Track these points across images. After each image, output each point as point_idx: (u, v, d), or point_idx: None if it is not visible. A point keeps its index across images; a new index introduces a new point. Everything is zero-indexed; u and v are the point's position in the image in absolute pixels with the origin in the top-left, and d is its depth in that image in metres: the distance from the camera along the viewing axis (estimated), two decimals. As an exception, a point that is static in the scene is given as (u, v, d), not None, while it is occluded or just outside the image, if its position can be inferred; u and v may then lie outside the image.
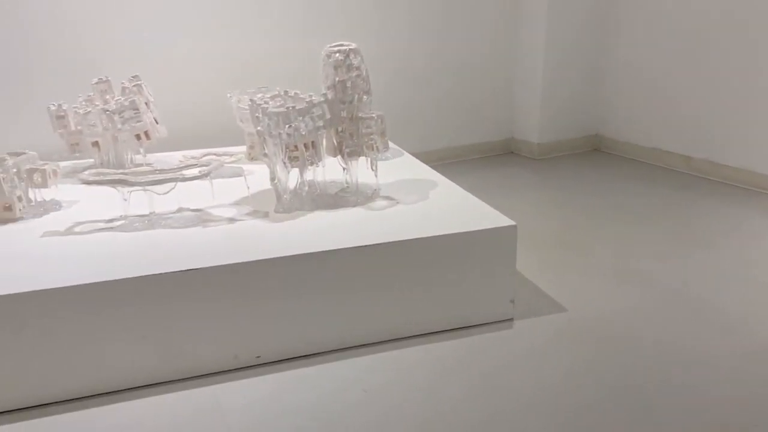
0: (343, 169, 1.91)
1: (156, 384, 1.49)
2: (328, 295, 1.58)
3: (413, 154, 2.45)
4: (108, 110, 2.07)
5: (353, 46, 1.81)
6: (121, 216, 1.77)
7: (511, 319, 1.74)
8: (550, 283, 1.96)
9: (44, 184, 1.85)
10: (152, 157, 2.28)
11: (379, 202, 1.87)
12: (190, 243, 1.62)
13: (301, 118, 1.73)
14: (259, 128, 1.74)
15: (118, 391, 1.47)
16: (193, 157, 2.26)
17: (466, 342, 1.65)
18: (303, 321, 1.57)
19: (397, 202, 1.87)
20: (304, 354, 1.59)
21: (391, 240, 1.60)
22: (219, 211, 1.83)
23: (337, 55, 1.79)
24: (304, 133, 1.74)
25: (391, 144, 2.26)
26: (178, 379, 1.51)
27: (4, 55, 2.48)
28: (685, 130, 3.06)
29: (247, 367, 1.55)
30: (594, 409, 1.39)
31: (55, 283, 1.39)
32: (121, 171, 1.78)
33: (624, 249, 2.21)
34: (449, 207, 1.85)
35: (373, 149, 1.82)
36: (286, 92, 1.90)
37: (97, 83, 2.22)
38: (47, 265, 1.51)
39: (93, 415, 1.41)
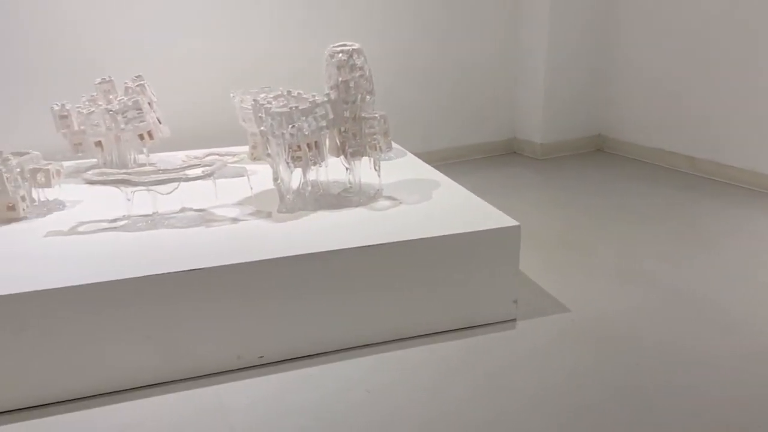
0: (346, 169, 1.91)
1: (159, 384, 1.49)
2: (331, 295, 1.58)
3: (416, 154, 2.45)
4: (111, 110, 2.07)
5: (356, 46, 1.81)
6: (124, 216, 1.77)
7: (514, 320, 1.74)
8: (553, 284, 1.96)
9: (48, 184, 1.85)
10: (155, 157, 2.28)
11: (382, 202, 1.87)
12: (193, 243, 1.62)
13: (304, 118, 1.73)
14: (262, 128, 1.74)
15: (121, 391, 1.47)
16: (196, 157, 2.26)
17: (469, 342, 1.65)
18: (306, 321, 1.57)
19: (400, 202, 1.87)
20: (307, 354, 1.59)
21: (394, 240, 1.60)
22: (222, 211, 1.83)
23: (341, 55, 1.78)
24: (307, 133, 1.74)
25: (394, 144, 2.26)
26: (181, 379, 1.51)
27: (6, 54, 2.49)
28: (688, 131, 3.06)
29: (250, 367, 1.55)
30: (597, 409, 1.39)
31: (58, 282, 1.39)
32: (124, 171, 1.79)
33: (627, 249, 2.21)
34: (452, 207, 1.85)
35: (376, 149, 1.82)
36: (289, 92, 1.90)
37: (100, 83, 2.22)
38: (50, 264, 1.51)
39: (95, 415, 1.41)
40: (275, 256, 1.52)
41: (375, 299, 1.61)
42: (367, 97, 1.82)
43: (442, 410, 1.40)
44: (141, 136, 2.10)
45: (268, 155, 1.77)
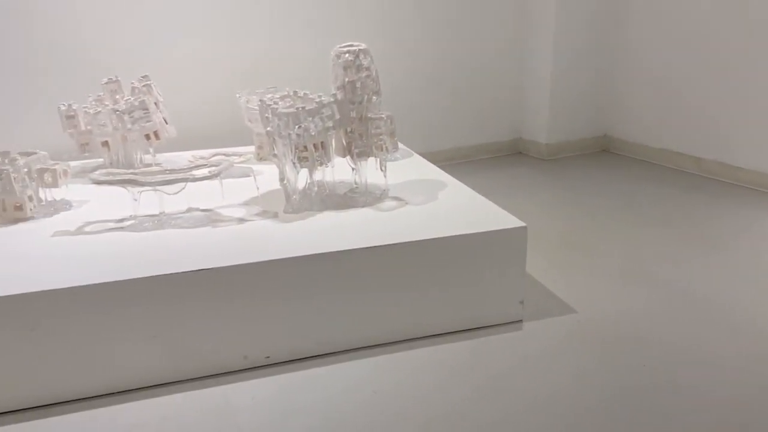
0: (353, 169, 1.91)
1: (165, 384, 1.49)
2: (337, 296, 1.58)
3: (422, 155, 2.44)
4: (118, 110, 2.08)
5: (363, 46, 1.81)
6: (130, 216, 1.77)
7: (520, 321, 1.74)
8: (559, 285, 1.95)
9: (55, 184, 1.86)
10: (161, 157, 2.29)
11: (388, 203, 1.87)
12: (199, 243, 1.63)
13: (310, 118, 1.73)
14: (268, 129, 1.74)
15: (128, 391, 1.47)
16: (202, 158, 2.26)
17: (475, 343, 1.65)
18: (312, 321, 1.57)
19: (406, 203, 1.87)
20: (314, 354, 1.59)
21: (400, 241, 1.60)
22: (228, 212, 1.83)
23: (347, 55, 1.78)
24: (313, 133, 1.74)
25: (400, 144, 2.26)
26: (188, 380, 1.51)
27: (13, 55, 2.50)
28: (695, 131, 3.05)
29: (257, 367, 1.55)
30: (603, 410, 1.39)
31: (64, 282, 1.39)
32: (130, 171, 1.79)
33: (633, 250, 2.20)
34: (458, 208, 1.85)
35: (382, 150, 1.82)
36: (295, 93, 1.90)
37: (107, 83, 2.23)
38: (57, 264, 1.52)
39: (101, 415, 1.41)
40: (281, 257, 1.52)
41: (381, 300, 1.61)
42: (374, 97, 1.83)
43: (449, 411, 1.40)
44: (147, 136, 2.11)
45: (275, 155, 1.77)
